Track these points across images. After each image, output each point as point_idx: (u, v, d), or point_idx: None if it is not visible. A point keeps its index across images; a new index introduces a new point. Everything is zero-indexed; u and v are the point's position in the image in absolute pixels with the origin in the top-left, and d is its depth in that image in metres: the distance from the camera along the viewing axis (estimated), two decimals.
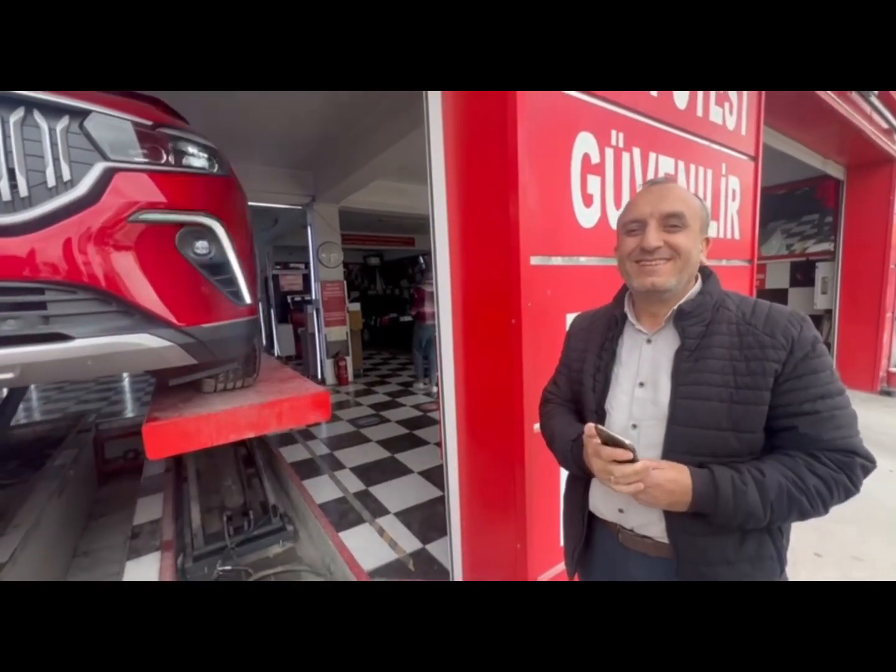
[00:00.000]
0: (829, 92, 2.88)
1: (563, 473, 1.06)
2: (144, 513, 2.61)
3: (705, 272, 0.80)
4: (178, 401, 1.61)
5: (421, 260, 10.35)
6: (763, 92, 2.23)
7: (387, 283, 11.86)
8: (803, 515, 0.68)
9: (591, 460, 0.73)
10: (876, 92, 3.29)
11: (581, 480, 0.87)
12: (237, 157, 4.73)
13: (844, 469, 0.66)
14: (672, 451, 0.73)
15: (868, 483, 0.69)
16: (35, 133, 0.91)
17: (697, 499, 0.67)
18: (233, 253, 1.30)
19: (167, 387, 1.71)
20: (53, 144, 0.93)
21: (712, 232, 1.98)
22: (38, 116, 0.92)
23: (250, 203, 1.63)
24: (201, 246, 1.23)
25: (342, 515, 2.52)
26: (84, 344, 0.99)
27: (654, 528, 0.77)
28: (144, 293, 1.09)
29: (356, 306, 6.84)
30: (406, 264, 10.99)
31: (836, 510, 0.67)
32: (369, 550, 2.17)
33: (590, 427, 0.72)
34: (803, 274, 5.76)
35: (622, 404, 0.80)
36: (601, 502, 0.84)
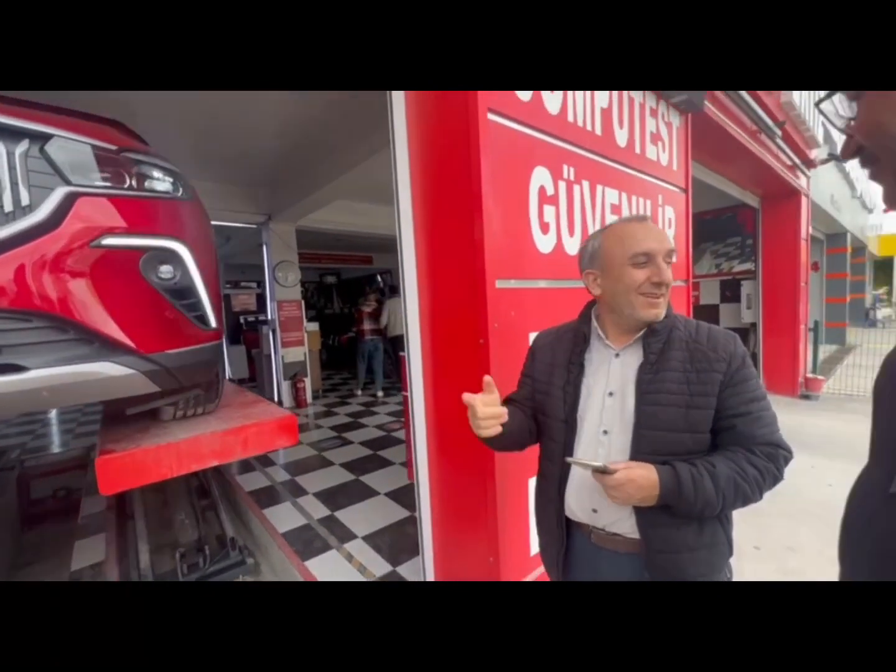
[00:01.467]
0: (741, 132, 3.29)
1: (532, 483, 1.12)
2: (84, 556, 2.39)
3: None
4: (133, 431, 1.52)
5: (379, 278, 10.35)
6: (689, 131, 2.52)
7: (344, 301, 11.71)
8: (746, 501, 0.81)
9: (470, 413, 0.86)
10: (780, 133, 3.79)
11: (554, 486, 0.94)
12: (189, 174, 4.58)
13: (773, 460, 0.80)
14: (639, 451, 0.83)
15: (794, 479, 0.81)
16: None
17: (664, 492, 0.77)
18: (198, 277, 1.29)
19: (120, 416, 1.61)
20: (12, 168, 0.90)
21: None
22: None
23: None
24: (166, 270, 1.21)
25: (307, 543, 2.44)
26: (40, 375, 0.94)
27: (623, 524, 0.86)
28: (105, 320, 1.05)
29: (314, 326, 6.70)
30: (364, 282, 10.93)
31: (769, 506, 0.78)
32: (336, 577, 2.11)
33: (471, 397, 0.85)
34: (731, 291, 6.38)
35: (594, 413, 0.89)
36: (575, 504, 0.91)
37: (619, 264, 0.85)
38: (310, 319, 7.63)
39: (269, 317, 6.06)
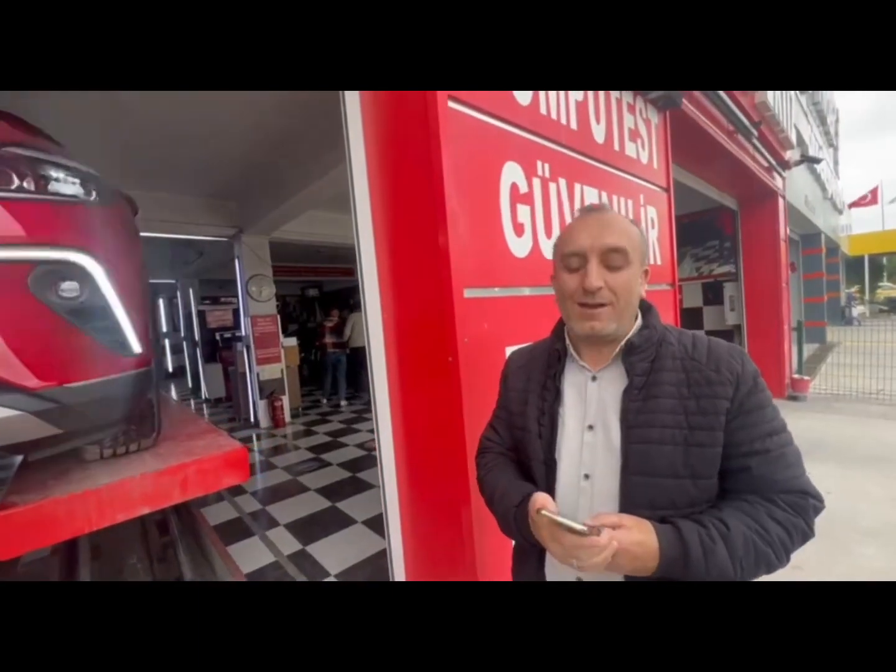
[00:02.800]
0: (718, 132, 3.23)
1: None
2: None
3: (644, 305, 0.75)
4: (48, 476, 1.29)
5: None
6: (668, 129, 2.43)
7: (327, 314, 11.47)
8: (770, 569, 0.62)
9: (548, 544, 0.63)
10: (756, 133, 3.77)
11: (534, 551, 0.76)
12: (148, 186, 4.35)
13: (801, 513, 0.62)
14: (631, 504, 0.65)
15: None
16: None
17: (665, 564, 0.59)
18: (114, 294, 1.09)
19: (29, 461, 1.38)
20: None
21: None
22: None
23: (169, 235, 1.43)
24: (69, 288, 1.01)
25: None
26: None
27: (616, 579, 0.67)
28: None
29: (292, 341, 6.44)
30: (346, 294, 10.72)
31: None
32: None
33: (541, 504, 0.62)
34: (713, 293, 6.37)
35: (571, 451, 0.71)
36: (555, 571, 0.73)
37: (556, 267, 0.74)
38: (292, 334, 7.38)
39: (243, 333, 5.80)
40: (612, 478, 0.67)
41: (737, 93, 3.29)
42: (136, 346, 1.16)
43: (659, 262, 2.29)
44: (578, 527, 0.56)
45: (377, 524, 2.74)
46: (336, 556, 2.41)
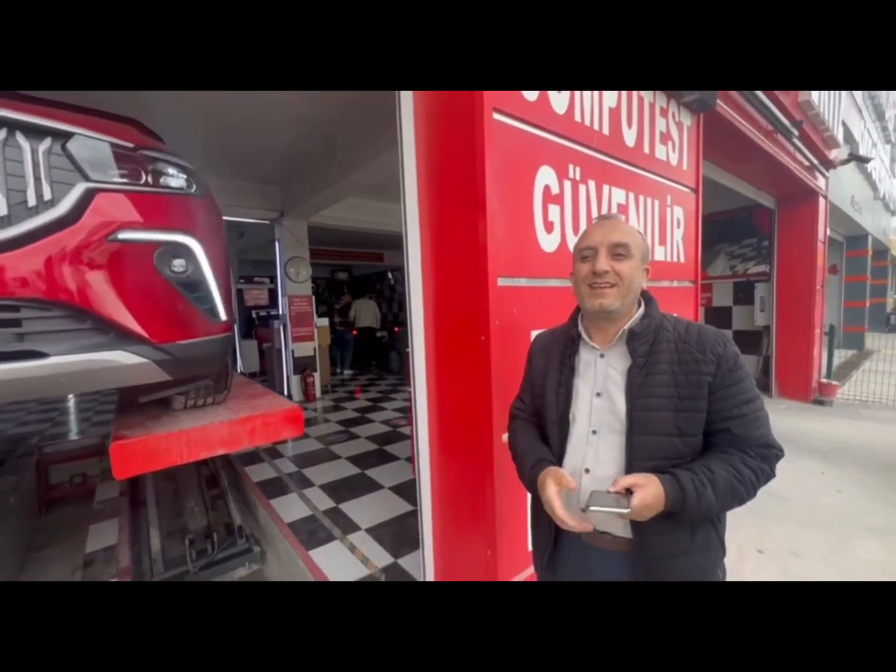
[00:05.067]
0: (755, 132, 3.24)
1: None
2: (97, 540, 2.48)
3: (646, 297, 0.92)
4: (145, 419, 1.58)
5: (389, 275, 10.40)
6: (700, 131, 2.50)
7: (355, 297, 11.81)
8: (741, 502, 0.81)
9: (547, 506, 0.86)
10: (797, 133, 3.73)
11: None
12: (204, 170, 4.66)
13: (766, 460, 0.81)
14: (633, 457, 0.84)
15: (803, 484, 0.80)
16: (17, 154, 0.92)
17: (670, 503, 0.77)
18: (209, 270, 1.33)
19: (133, 405, 1.67)
20: (35, 165, 0.94)
21: (660, 256, 2.18)
22: (20, 137, 0.93)
23: None
24: (178, 264, 1.25)
25: (312, 534, 2.49)
26: (59, 361, 0.99)
27: (611, 524, 0.87)
28: (120, 310, 1.09)
29: (324, 321, 6.77)
30: (374, 279, 11.00)
31: (774, 509, 0.78)
32: (340, 567, 2.16)
33: (552, 495, 0.84)
34: (745, 293, 6.28)
35: (583, 413, 0.91)
36: (566, 504, 0.92)
37: (574, 260, 0.93)
38: (321, 315, 7.74)
39: (280, 312, 6.14)
40: (613, 434, 0.87)
41: (777, 92, 3.27)
42: (223, 315, 1.40)
43: (682, 260, 2.39)
44: (624, 511, 0.75)
45: (403, 490, 2.99)
46: (366, 514, 2.68)
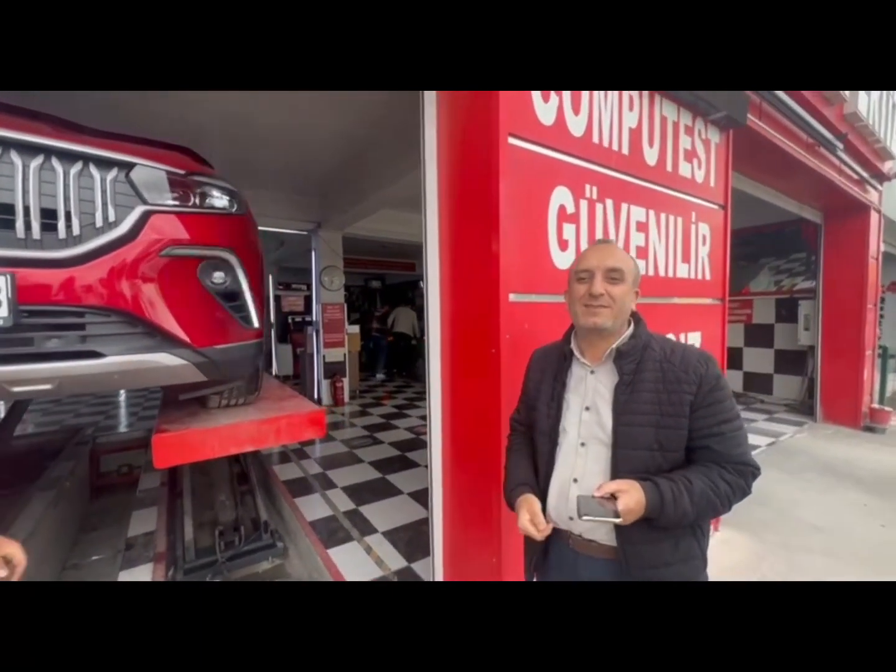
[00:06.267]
0: (795, 147, 3.14)
1: None
2: (139, 525, 2.68)
3: (636, 317, 0.97)
4: (184, 415, 1.73)
5: (421, 284, 10.58)
6: (730, 147, 2.47)
7: (392, 306, 12.07)
8: (716, 513, 0.86)
9: (522, 530, 0.92)
10: (842, 146, 3.57)
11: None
12: (249, 184, 4.99)
13: (742, 476, 0.85)
14: (618, 470, 0.88)
15: (842, 517, 0.78)
16: (89, 182, 1.08)
17: (650, 508, 0.82)
18: (245, 282, 1.46)
19: (175, 402, 1.84)
20: (103, 191, 1.10)
21: (683, 273, 2.17)
22: (92, 168, 1.09)
23: (259, 228, 1.81)
24: (218, 276, 1.39)
25: (331, 533, 2.60)
26: (113, 361, 1.13)
27: (597, 532, 0.91)
28: (167, 317, 1.24)
29: (355, 328, 7.00)
30: (406, 288, 11.22)
31: (809, 541, 0.76)
32: (356, 567, 2.24)
33: (530, 509, 0.91)
34: (788, 310, 5.98)
35: (573, 425, 0.96)
36: (555, 513, 0.97)
37: (570, 281, 0.98)
38: (353, 322, 8.01)
39: (314, 318, 6.41)
40: (600, 446, 0.91)
41: (818, 103, 3.17)
42: (256, 323, 1.53)
43: (708, 277, 2.36)
44: (616, 520, 0.80)
45: (421, 497, 3.06)
46: (384, 518, 2.76)
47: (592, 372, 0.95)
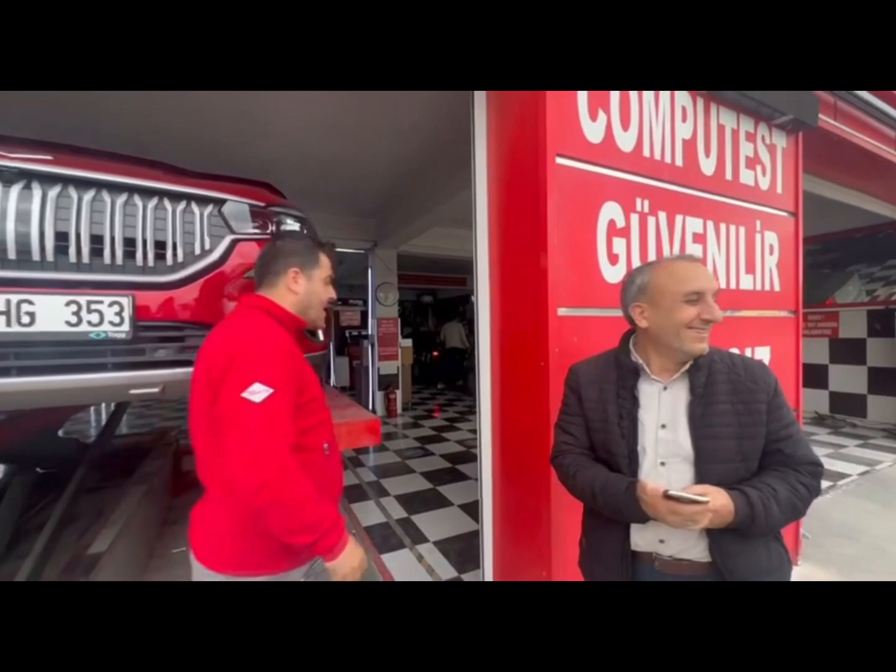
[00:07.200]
0: (881, 145, 2.87)
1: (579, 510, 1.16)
2: None
3: None
4: None
5: (473, 299, 10.70)
6: (800, 152, 2.32)
7: (439, 320, 12.32)
8: (799, 516, 0.86)
9: (665, 516, 0.80)
10: None
11: (620, 527, 0.94)
12: (314, 208, 5.41)
13: (815, 476, 0.86)
14: (704, 483, 0.84)
15: None
16: (191, 217, 1.28)
17: (739, 518, 0.79)
18: None
19: None
20: (202, 224, 1.30)
21: (747, 285, 2.07)
22: (194, 206, 1.29)
23: None
24: None
25: (385, 539, 2.69)
26: None
27: (693, 550, 0.89)
28: None
29: (408, 342, 7.22)
30: (457, 303, 11.40)
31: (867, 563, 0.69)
32: (407, 574, 2.31)
33: (654, 489, 0.80)
34: (882, 323, 5.32)
35: (650, 444, 0.92)
36: (640, 537, 0.93)
37: (671, 300, 0.88)
38: (407, 336, 8.26)
39: (370, 332, 6.71)
40: (683, 465, 0.88)
41: None
42: (321, 336, 1.68)
43: (777, 289, 2.21)
44: (703, 499, 0.76)
45: (471, 509, 3.08)
46: (435, 528, 2.82)
47: (665, 388, 0.93)
